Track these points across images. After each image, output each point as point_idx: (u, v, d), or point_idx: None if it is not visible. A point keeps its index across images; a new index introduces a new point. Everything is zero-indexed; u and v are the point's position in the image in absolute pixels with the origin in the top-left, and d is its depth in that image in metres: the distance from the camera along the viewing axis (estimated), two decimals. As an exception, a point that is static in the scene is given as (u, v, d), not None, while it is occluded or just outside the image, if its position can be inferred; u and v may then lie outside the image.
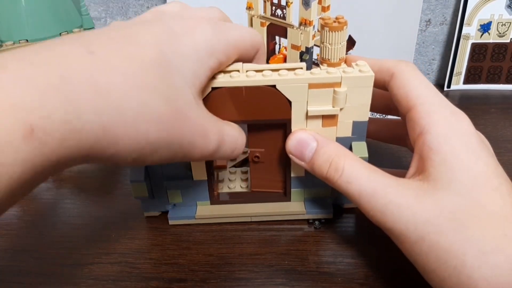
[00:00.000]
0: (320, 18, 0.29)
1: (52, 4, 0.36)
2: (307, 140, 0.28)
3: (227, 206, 0.33)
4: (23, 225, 0.34)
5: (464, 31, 0.52)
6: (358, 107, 0.28)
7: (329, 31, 0.27)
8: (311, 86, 0.27)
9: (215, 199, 0.33)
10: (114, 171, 0.40)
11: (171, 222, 0.33)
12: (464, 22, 0.52)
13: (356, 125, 0.29)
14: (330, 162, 0.26)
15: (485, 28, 0.52)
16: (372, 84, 0.27)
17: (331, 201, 0.33)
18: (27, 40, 0.36)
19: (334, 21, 0.27)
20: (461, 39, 0.53)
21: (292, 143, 0.28)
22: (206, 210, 0.33)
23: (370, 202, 0.24)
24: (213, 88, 0.26)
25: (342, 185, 0.25)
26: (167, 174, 0.31)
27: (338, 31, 0.27)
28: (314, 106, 0.28)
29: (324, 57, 0.28)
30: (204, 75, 0.23)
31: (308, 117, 0.28)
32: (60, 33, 0.37)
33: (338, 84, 0.27)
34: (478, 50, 0.53)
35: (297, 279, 0.28)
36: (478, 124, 0.27)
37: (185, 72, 0.22)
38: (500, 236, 0.21)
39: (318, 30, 0.35)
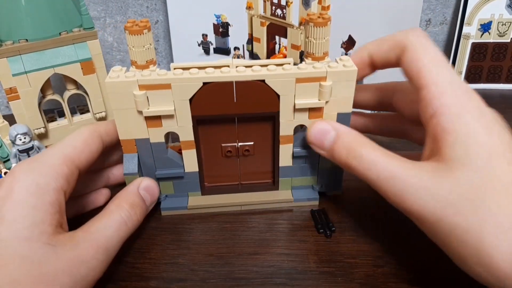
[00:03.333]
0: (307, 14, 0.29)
1: (52, 4, 0.36)
2: (327, 130, 0.29)
3: (218, 196, 0.34)
4: (23, 225, 0.34)
5: (464, 31, 0.52)
6: (342, 100, 0.29)
7: (313, 27, 0.28)
8: (298, 80, 0.28)
9: (206, 190, 0.34)
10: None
11: (163, 213, 0.34)
12: (464, 22, 0.52)
13: (340, 116, 0.30)
14: (349, 149, 0.27)
15: (485, 27, 0.52)
16: (355, 78, 0.28)
17: (318, 189, 0.34)
18: (27, 40, 0.36)
19: (319, 17, 0.28)
20: (461, 39, 0.53)
21: (312, 132, 0.29)
22: (197, 201, 0.34)
23: (389, 186, 0.25)
24: (204, 83, 0.27)
25: (361, 171, 0.26)
26: (159, 166, 0.32)
27: (322, 27, 0.28)
28: (301, 99, 0.29)
29: (308, 51, 0.29)
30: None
31: (295, 109, 0.29)
32: (60, 33, 0.37)
33: (324, 78, 0.28)
34: (478, 49, 0.53)
35: (297, 279, 0.28)
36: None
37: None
38: None
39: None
